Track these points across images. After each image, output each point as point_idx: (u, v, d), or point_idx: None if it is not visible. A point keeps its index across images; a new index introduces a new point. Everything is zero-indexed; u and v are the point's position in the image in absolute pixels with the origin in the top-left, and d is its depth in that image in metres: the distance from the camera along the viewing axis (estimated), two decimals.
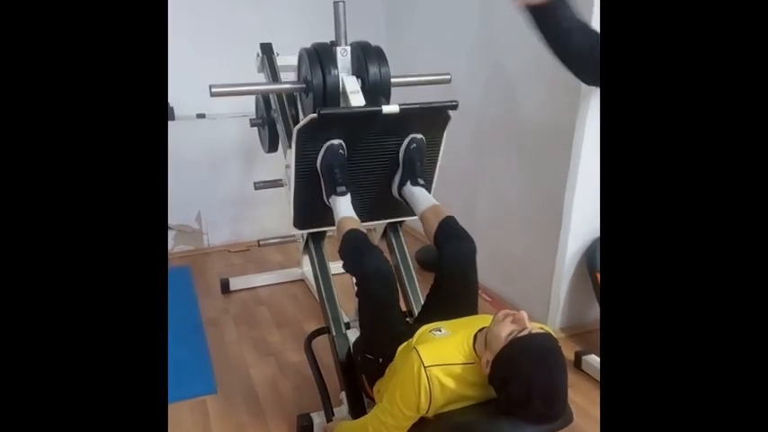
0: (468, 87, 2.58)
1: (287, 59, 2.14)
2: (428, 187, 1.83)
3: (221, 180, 3.15)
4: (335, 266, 1.91)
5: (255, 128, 2.46)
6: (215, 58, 2.84)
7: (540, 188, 2.26)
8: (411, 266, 1.96)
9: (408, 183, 1.76)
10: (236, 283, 2.74)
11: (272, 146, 2.36)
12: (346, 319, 1.83)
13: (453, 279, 1.58)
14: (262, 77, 2.25)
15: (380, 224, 2.04)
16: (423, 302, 1.72)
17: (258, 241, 2.67)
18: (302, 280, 2.82)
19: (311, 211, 1.80)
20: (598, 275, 2.12)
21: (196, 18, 2.81)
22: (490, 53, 2.45)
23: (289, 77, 2.10)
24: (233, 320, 2.47)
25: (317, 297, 1.94)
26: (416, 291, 1.90)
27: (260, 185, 2.42)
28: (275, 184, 2.37)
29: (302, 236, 1.99)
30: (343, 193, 1.68)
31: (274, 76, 2.15)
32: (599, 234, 2.18)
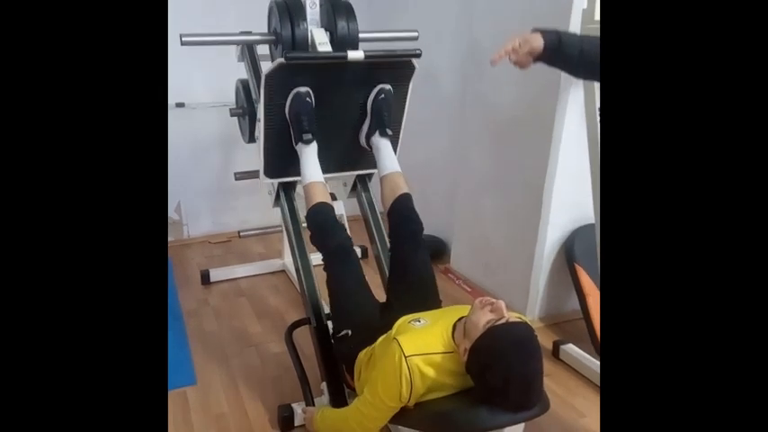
0: (449, 77, 2.59)
1: (266, 48, 2.11)
2: (395, 138, 1.91)
3: (201, 170, 3.11)
4: (316, 259, 1.91)
5: (236, 118, 2.43)
6: (194, 46, 2.79)
7: (520, 179, 2.27)
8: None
9: (377, 133, 1.83)
10: (216, 274, 2.72)
11: (252, 136, 2.34)
12: (327, 310, 1.83)
13: (409, 280, 1.68)
14: (242, 66, 2.22)
15: (350, 177, 2.10)
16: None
17: (239, 232, 2.65)
18: (283, 271, 2.81)
19: (281, 160, 1.86)
20: (576, 266, 2.15)
21: (175, 5, 2.76)
22: (470, 43, 2.45)
23: (268, 67, 2.08)
24: (213, 312, 2.45)
25: (298, 288, 1.94)
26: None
27: (240, 176, 2.40)
28: (256, 174, 2.35)
29: (273, 186, 2.03)
30: (309, 141, 1.74)
31: (254, 65, 2.13)
32: (578, 225, 2.22)
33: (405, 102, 1.93)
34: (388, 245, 2.00)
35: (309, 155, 1.75)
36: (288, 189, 2.01)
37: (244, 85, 2.27)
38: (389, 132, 1.84)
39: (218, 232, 3.26)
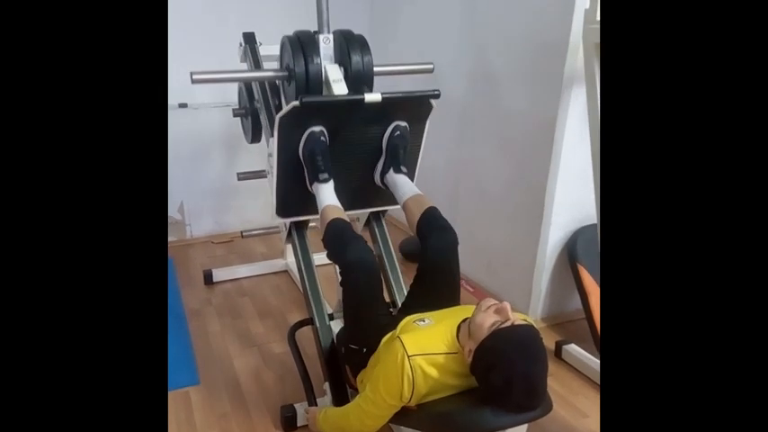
0: (453, 79, 2.59)
1: (270, 49, 2.12)
2: (411, 175, 1.84)
3: (204, 170, 3.12)
4: (319, 257, 1.91)
5: (238, 118, 2.44)
6: (197, 46, 2.80)
7: (522, 179, 2.27)
8: (394, 256, 1.97)
9: (391, 170, 1.77)
10: (219, 274, 2.72)
11: (255, 136, 2.34)
12: (330, 311, 1.83)
13: (436, 270, 1.60)
14: (244, 67, 2.23)
15: (363, 213, 2.04)
16: (406, 293, 1.74)
17: (242, 232, 2.66)
18: (286, 271, 2.81)
19: (293, 199, 1.80)
20: (579, 266, 2.14)
21: (179, 5, 2.77)
22: (474, 45, 2.45)
23: (272, 67, 2.09)
24: (216, 312, 2.46)
25: (301, 288, 1.94)
26: (399, 281, 1.91)
27: (243, 176, 2.40)
28: (258, 174, 2.36)
29: (284, 225, 1.99)
30: (325, 180, 1.67)
31: (257, 65, 2.13)
32: (580, 225, 2.22)
33: (421, 139, 1.86)
34: (392, 243, 2.00)
35: (325, 191, 1.68)
36: (300, 228, 1.95)
37: (246, 86, 2.27)
38: (404, 170, 1.76)
39: (220, 232, 3.26)
